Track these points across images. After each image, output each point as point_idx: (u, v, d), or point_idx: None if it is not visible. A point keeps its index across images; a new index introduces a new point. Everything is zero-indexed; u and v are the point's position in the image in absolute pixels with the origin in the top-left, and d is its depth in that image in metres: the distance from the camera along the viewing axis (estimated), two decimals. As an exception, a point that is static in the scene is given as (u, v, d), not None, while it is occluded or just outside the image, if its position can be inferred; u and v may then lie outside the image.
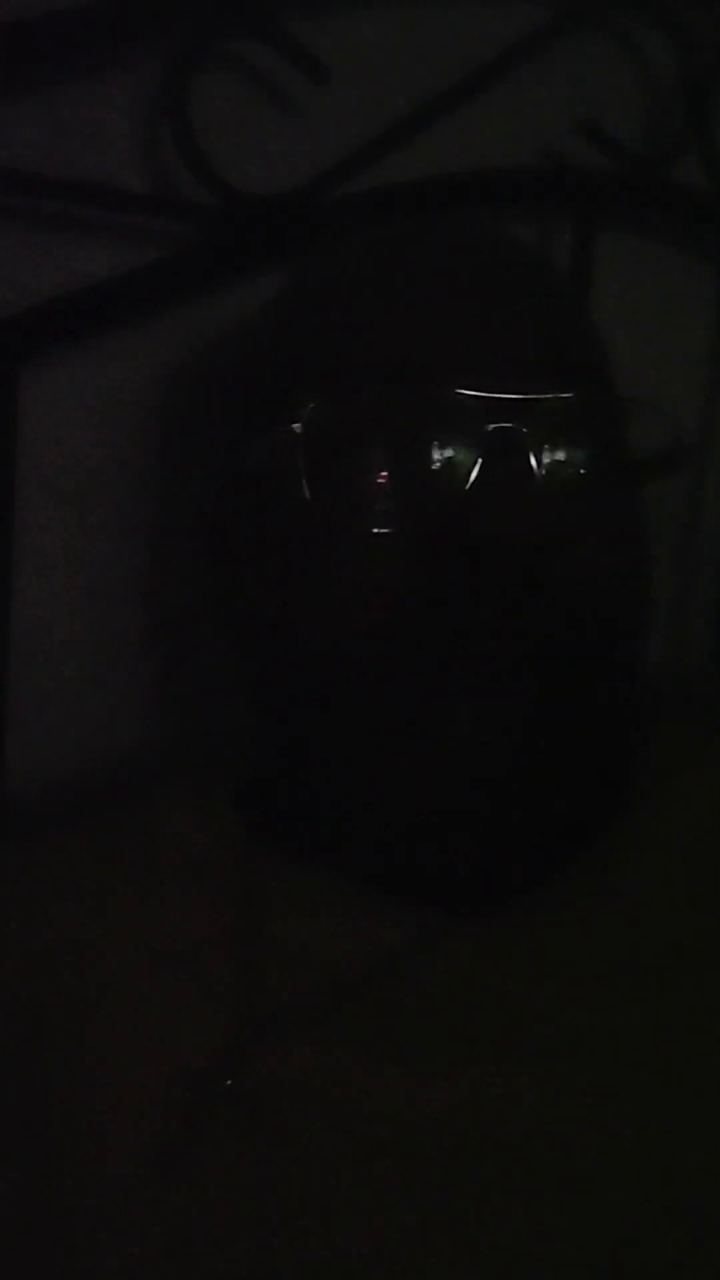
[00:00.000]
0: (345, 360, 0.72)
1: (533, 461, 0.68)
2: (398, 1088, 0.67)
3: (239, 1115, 0.67)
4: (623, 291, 0.93)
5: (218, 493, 0.78)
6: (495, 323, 0.71)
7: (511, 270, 0.76)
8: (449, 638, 0.68)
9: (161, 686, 0.91)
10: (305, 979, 0.70)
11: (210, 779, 0.78)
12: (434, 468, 0.69)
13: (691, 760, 0.77)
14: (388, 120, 0.88)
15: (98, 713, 0.90)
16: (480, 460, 0.68)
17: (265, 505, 0.73)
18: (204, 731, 0.90)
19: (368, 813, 0.71)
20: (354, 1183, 0.66)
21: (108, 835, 0.76)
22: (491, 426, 0.68)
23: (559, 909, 0.71)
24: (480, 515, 0.68)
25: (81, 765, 0.89)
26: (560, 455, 0.70)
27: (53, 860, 0.75)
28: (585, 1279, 0.65)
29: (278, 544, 0.73)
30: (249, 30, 0.85)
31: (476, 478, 0.68)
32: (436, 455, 0.69)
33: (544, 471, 0.69)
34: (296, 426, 0.71)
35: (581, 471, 0.70)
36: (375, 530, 0.69)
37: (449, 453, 0.69)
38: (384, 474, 0.70)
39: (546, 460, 0.69)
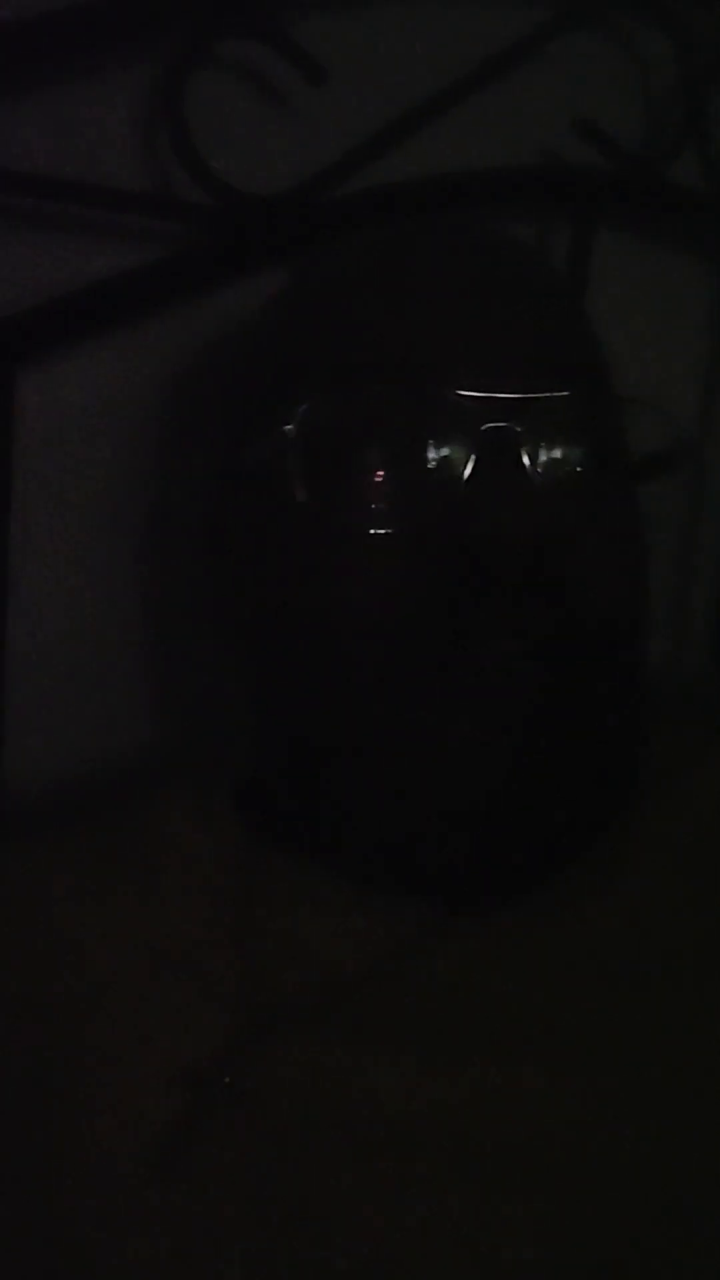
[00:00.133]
0: (343, 360, 0.72)
1: (526, 461, 0.68)
2: (398, 1087, 0.67)
3: (239, 1115, 0.67)
4: (621, 291, 0.93)
5: (216, 493, 0.78)
6: (493, 322, 0.71)
7: (510, 270, 0.76)
8: (448, 637, 0.68)
9: (161, 687, 0.91)
10: (305, 978, 0.70)
11: (210, 779, 0.78)
12: (431, 467, 0.69)
13: (692, 760, 0.77)
14: (386, 120, 0.88)
15: (97, 713, 0.90)
16: (473, 459, 0.68)
17: (264, 505, 0.73)
18: (204, 731, 0.90)
19: (368, 812, 0.71)
20: (354, 1182, 0.66)
21: (108, 835, 0.76)
22: (484, 426, 0.68)
23: (559, 909, 0.71)
24: (476, 514, 0.68)
25: (81, 765, 0.89)
26: (557, 454, 0.70)
27: (53, 860, 0.75)
28: (585, 1279, 0.65)
29: (277, 544, 0.73)
30: (247, 30, 0.85)
31: (470, 477, 0.68)
32: (433, 455, 0.69)
33: (540, 471, 0.69)
34: (292, 427, 0.71)
35: (579, 471, 0.70)
36: (373, 530, 0.69)
37: (446, 452, 0.69)
38: (381, 474, 0.70)
39: (543, 460, 0.69)
